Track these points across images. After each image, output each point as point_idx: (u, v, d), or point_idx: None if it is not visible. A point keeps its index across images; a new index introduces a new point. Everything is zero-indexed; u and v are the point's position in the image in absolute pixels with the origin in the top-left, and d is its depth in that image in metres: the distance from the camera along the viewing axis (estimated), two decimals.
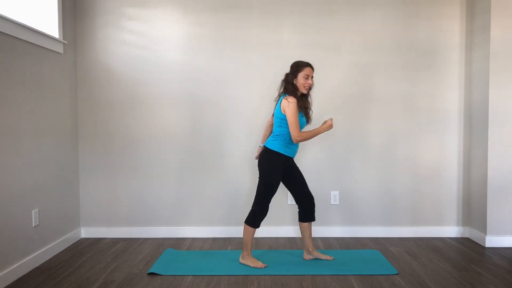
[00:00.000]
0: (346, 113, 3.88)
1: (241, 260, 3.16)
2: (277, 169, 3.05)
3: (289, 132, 3.00)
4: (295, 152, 3.13)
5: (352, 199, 3.89)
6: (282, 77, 3.16)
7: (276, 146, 3.03)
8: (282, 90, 3.10)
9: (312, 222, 3.27)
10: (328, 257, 3.24)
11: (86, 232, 3.91)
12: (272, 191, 3.08)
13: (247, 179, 3.88)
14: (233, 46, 3.85)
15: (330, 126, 3.06)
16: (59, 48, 3.51)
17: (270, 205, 3.88)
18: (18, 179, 2.96)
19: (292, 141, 3.03)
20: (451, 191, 3.92)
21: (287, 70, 3.80)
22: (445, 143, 3.90)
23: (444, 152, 3.91)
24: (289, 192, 3.41)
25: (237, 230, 3.89)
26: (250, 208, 3.16)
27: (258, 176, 3.12)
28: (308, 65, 3.08)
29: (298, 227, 3.88)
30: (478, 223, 3.74)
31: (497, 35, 3.53)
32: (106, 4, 3.83)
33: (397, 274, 2.96)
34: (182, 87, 3.87)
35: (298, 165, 3.86)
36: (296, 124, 2.93)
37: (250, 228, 3.11)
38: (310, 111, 3.11)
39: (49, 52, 3.38)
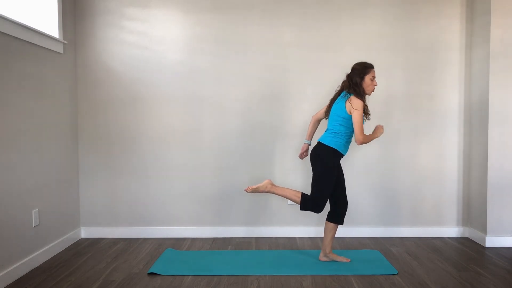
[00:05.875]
0: None
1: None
2: (334, 165, 3.06)
3: (348, 132, 3.03)
4: (346, 152, 3.13)
5: (352, 199, 3.88)
6: (344, 77, 3.12)
7: (335, 143, 3.02)
8: (348, 90, 3.03)
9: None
10: (344, 259, 3.20)
11: (86, 232, 3.91)
12: (332, 180, 3.05)
13: (247, 179, 3.88)
14: (233, 46, 3.85)
15: (382, 132, 3.12)
16: (59, 48, 3.51)
17: (270, 204, 3.92)
18: (18, 179, 2.95)
19: (348, 141, 3.07)
20: (451, 191, 3.92)
21: (287, 70, 3.86)
22: (445, 143, 3.90)
23: (444, 152, 3.91)
24: None
25: (237, 230, 3.90)
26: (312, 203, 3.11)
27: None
28: (372, 66, 3.06)
29: (301, 227, 3.91)
30: (478, 223, 3.74)
31: (497, 35, 3.53)
32: (106, 4, 3.83)
33: (397, 274, 2.96)
34: (182, 87, 3.86)
35: (297, 164, 3.86)
36: (362, 127, 2.95)
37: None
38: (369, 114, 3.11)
39: (49, 52, 3.38)
